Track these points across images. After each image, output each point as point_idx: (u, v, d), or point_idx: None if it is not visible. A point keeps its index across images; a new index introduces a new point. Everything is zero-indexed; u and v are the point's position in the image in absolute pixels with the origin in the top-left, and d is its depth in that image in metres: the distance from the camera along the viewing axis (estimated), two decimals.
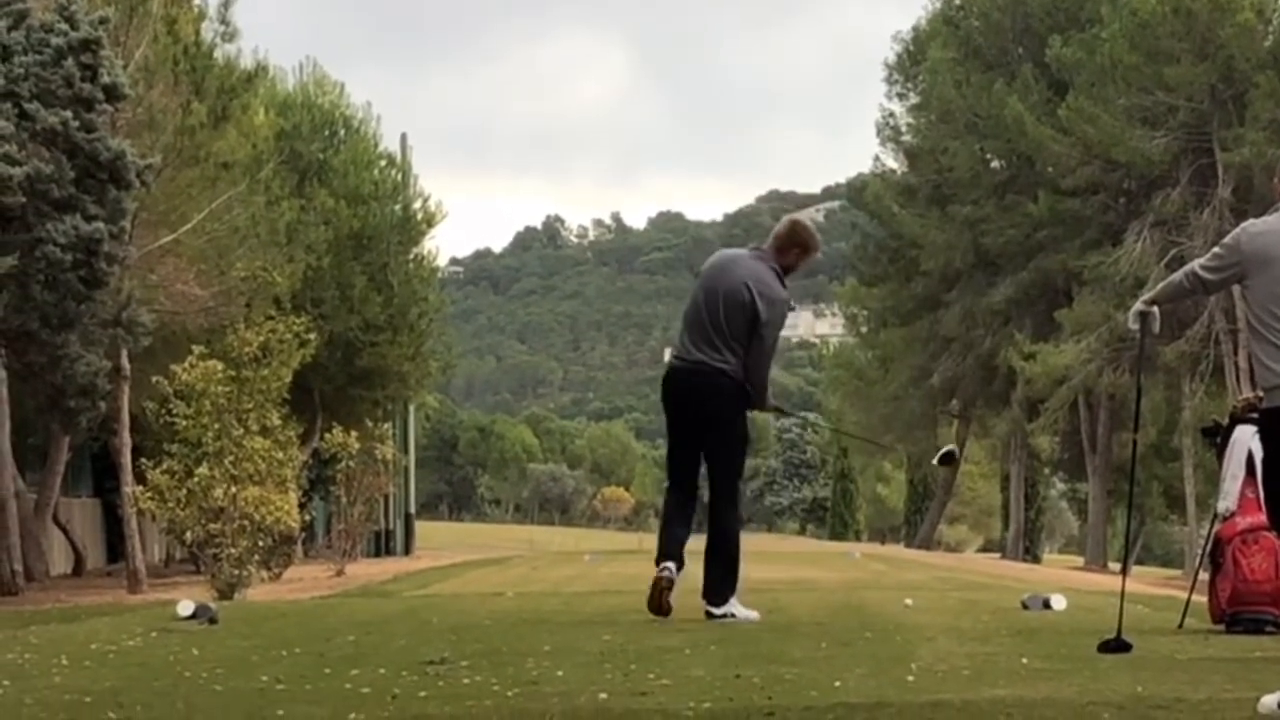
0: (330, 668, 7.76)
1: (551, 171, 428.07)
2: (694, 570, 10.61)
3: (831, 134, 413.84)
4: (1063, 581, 22.72)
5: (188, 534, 21.13)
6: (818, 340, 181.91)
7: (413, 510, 53.45)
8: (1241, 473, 9.81)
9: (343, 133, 41.87)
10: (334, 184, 39.18)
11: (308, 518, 26.29)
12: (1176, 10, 45.29)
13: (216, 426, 20.94)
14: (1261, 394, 6.66)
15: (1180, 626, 10.02)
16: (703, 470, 10.68)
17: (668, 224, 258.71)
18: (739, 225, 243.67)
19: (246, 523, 20.52)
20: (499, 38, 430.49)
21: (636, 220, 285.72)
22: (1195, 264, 7.10)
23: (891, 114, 61.60)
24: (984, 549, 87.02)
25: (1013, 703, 6.08)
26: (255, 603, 16.14)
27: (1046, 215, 52.36)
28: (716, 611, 10.38)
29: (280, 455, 21.69)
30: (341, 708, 6.30)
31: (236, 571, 19.66)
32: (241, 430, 21.03)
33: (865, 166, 75.81)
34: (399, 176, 43.47)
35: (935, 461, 10.73)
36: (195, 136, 24.82)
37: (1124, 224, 50.16)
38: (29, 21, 20.81)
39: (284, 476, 21.87)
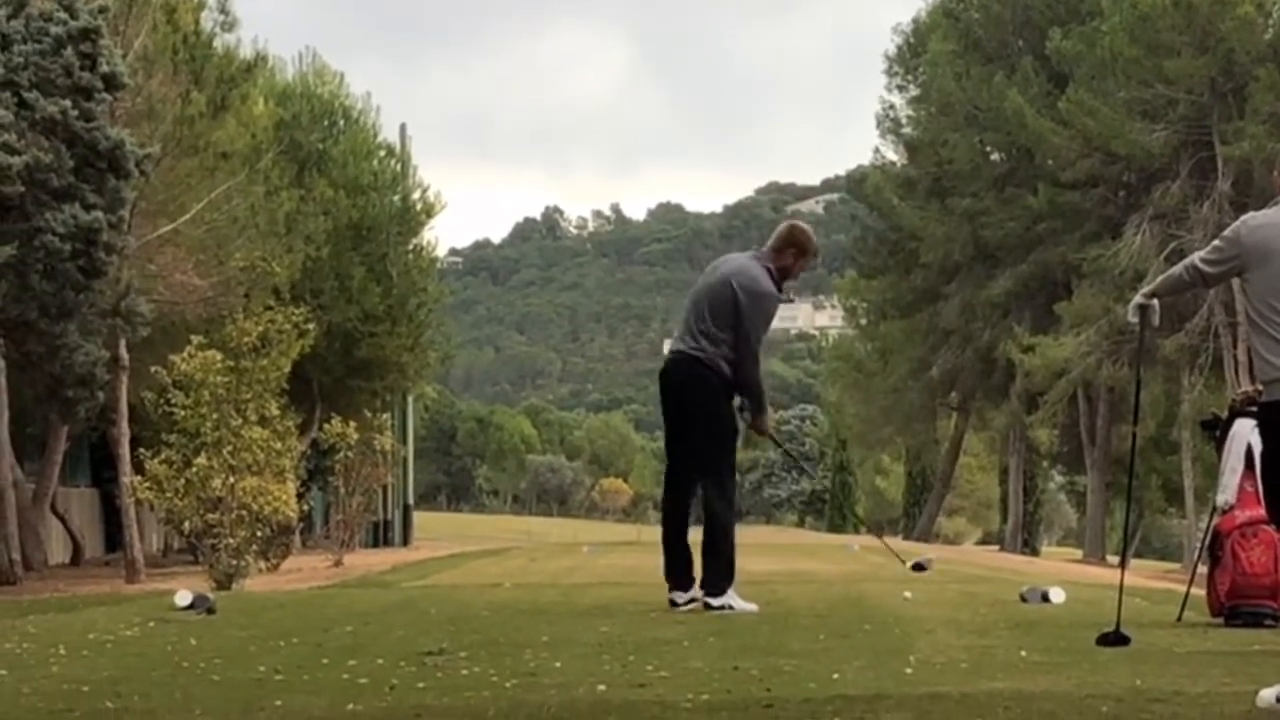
0: (328, 658, 7.75)
1: (551, 162, 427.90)
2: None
3: (831, 126, 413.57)
4: (1061, 574, 22.71)
5: (186, 524, 21.10)
6: (817, 332, 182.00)
7: (411, 501, 53.44)
8: (1240, 466, 9.80)
9: (342, 123, 41.83)
10: (333, 174, 39.15)
11: (306, 508, 26.29)
12: (1177, 3, 45.27)
13: (215, 417, 20.91)
14: (1261, 387, 6.65)
15: (1179, 620, 10.02)
16: None
17: (667, 215, 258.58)
18: (738, 217, 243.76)
19: (245, 513, 20.50)
20: (499, 28, 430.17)
21: (636, 212, 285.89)
22: (1195, 257, 7.08)
23: (891, 106, 61.67)
24: (982, 541, 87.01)
25: (1011, 695, 6.07)
26: (253, 593, 16.14)
27: (1046, 208, 52.36)
28: (714, 603, 10.36)
29: (279, 446, 21.66)
30: (339, 698, 6.30)
31: (234, 562, 19.65)
32: (240, 420, 21.01)
33: (865, 159, 75.95)
34: (398, 167, 43.44)
35: (909, 567, 10.79)
36: (194, 126, 24.80)
37: (1124, 217, 50.15)
38: (28, 10, 20.79)
39: (282, 467, 21.84)
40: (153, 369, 21.87)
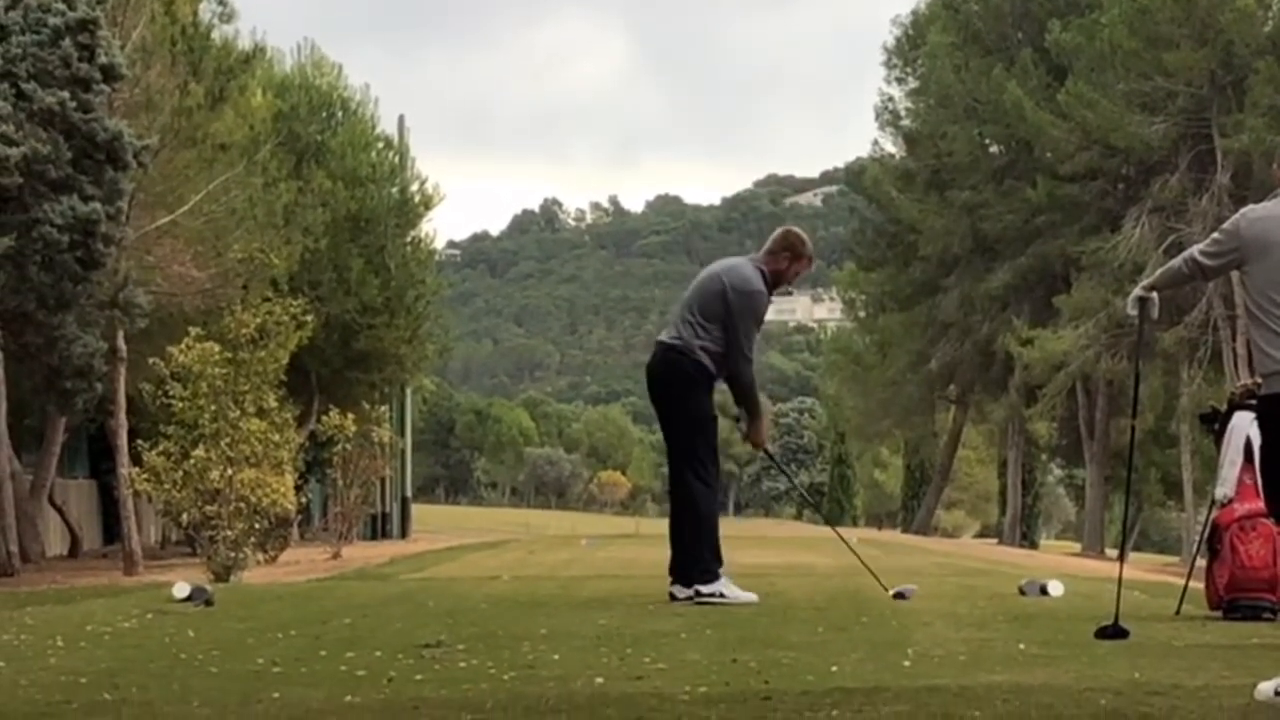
0: (326, 650, 7.74)
1: (549, 155, 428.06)
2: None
3: (830, 118, 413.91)
4: (1060, 567, 22.72)
5: (184, 516, 21.10)
6: (815, 325, 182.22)
7: (409, 493, 53.42)
8: (1240, 459, 9.80)
9: (340, 114, 41.80)
10: (331, 166, 39.13)
11: (304, 500, 26.27)
12: None
13: (213, 408, 20.90)
14: (1260, 380, 6.64)
15: (1178, 613, 10.02)
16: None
17: (665, 208, 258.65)
18: (737, 209, 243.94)
19: (243, 505, 20.50)
20: (498, 20, 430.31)
21: (634, 204, 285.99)
22: (1194, 250, 7.07)
23: (890, 98, 61.63)
24: (981, 534, 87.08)
25: (1009, 688, 6.07)
26: (251, 585, 16.13)
27: (1045, 201, 52.33)
28: (705, 589, 10.34)
29: (277, 437, 21.66)
30: (337, 690, 6.29)
31: (232, 554, 19.64)
32: (238, 412, 21.00)
33: (864, 151, 75.81)
34: (396, 159, 43.42)
35: (890, 594, 10.82)
36: (192, 117, 24.77)
37: (1123, 210, 50.14)
38: (26, 1, 20.76)
39: (280, 459, 21.84)
40: (151, 360, 21.86)
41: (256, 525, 21.05)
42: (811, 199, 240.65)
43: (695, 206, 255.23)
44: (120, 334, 23.80)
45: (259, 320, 21.92)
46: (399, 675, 6.74)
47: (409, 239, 42.48)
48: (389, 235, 40.68)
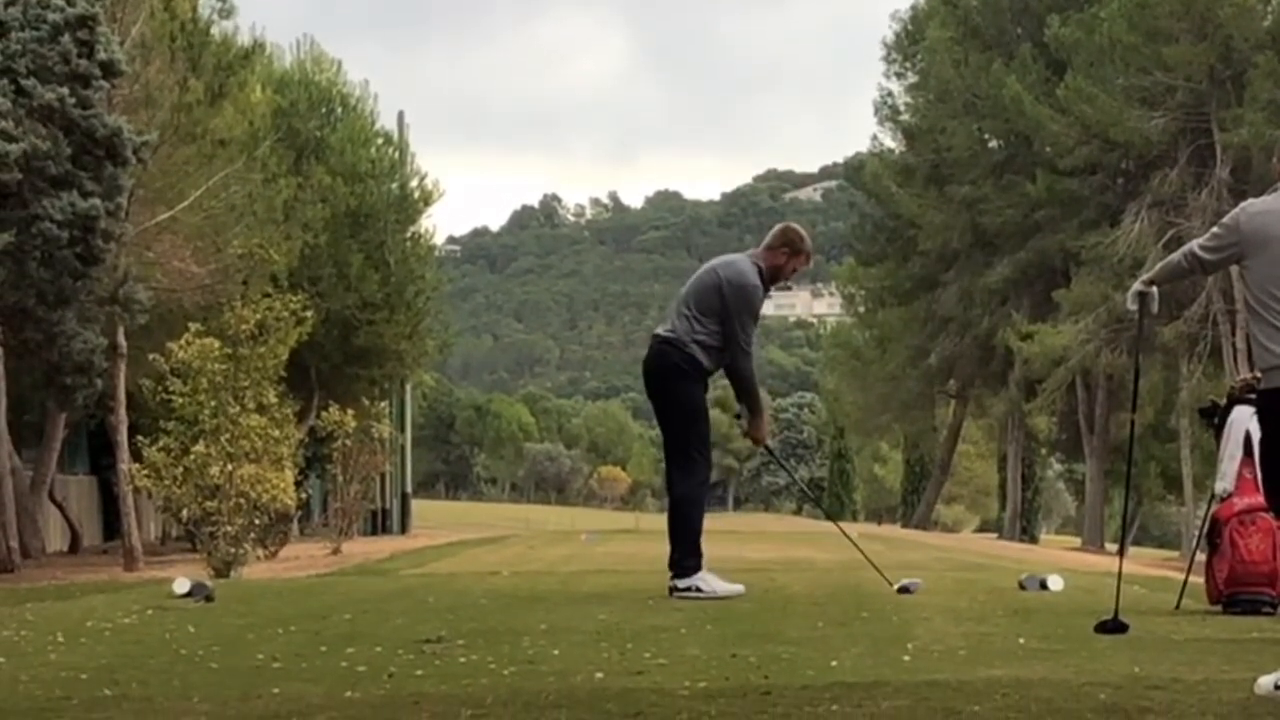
0: (326, 646, 7.74)
1: (549, 150, 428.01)
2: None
3: (829, 113, 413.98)
4: (1059, 562, 22.73)
5: (184, 512, 21.12)
6: (815, 320, 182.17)
7: (409, 489, 53.43)
8: (1239, 453, 9.79)
9: (340, 110, 41.78)
10: (331, 161, 39.10)
11: (304, 496, 26.28)
12: None
13: (213, 404, 20.92)
14: (1259, 374, 6.64)
15: (1177, 607, 10.02)
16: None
17: (665, 203, 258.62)
18: (737, 205, 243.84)
19: (243, 500, 20.51)
20: (497, 15, 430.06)
21: (634, 199, 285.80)
22: (1194, 244, 7.07)
23: (890, 93, 61.67)
24: (981, 529, 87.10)
25: (1009, 683, 6.07)
26: (251, 580, 16.14)
27: (1044, 195, 52.34)
28: (680, 584, 10.31)
29: (276, 433, 21.67)
30: (337, 686, 6.29)
31: (232, 549, 19.66)
32: (238, 408, 21.01)
33: (863, 146, 75.98)
34: (396, 154, 43.41)
35: (895, 589, 10.81)
36: (192, 113, 24.77)
37: (1122, 204, 50.15)
38: None
39: (280, 454, 21.85)
40: (151, 356, 21.87)
41: (256, 521, 21.07)
42: (811, 194, 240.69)
43: (695, 202, 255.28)
44: (120, 330, 23.80)
45: (259, 316, 21.93)
46: (399, 670, 6.75)
47: (409, 234, 42.47)
48: (389, 231, 40.66)
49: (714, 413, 10.97)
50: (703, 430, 10.62)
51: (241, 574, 18.62)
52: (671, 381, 10.54)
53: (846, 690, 5.87)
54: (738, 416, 11.05)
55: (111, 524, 34.36)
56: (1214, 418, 10.26)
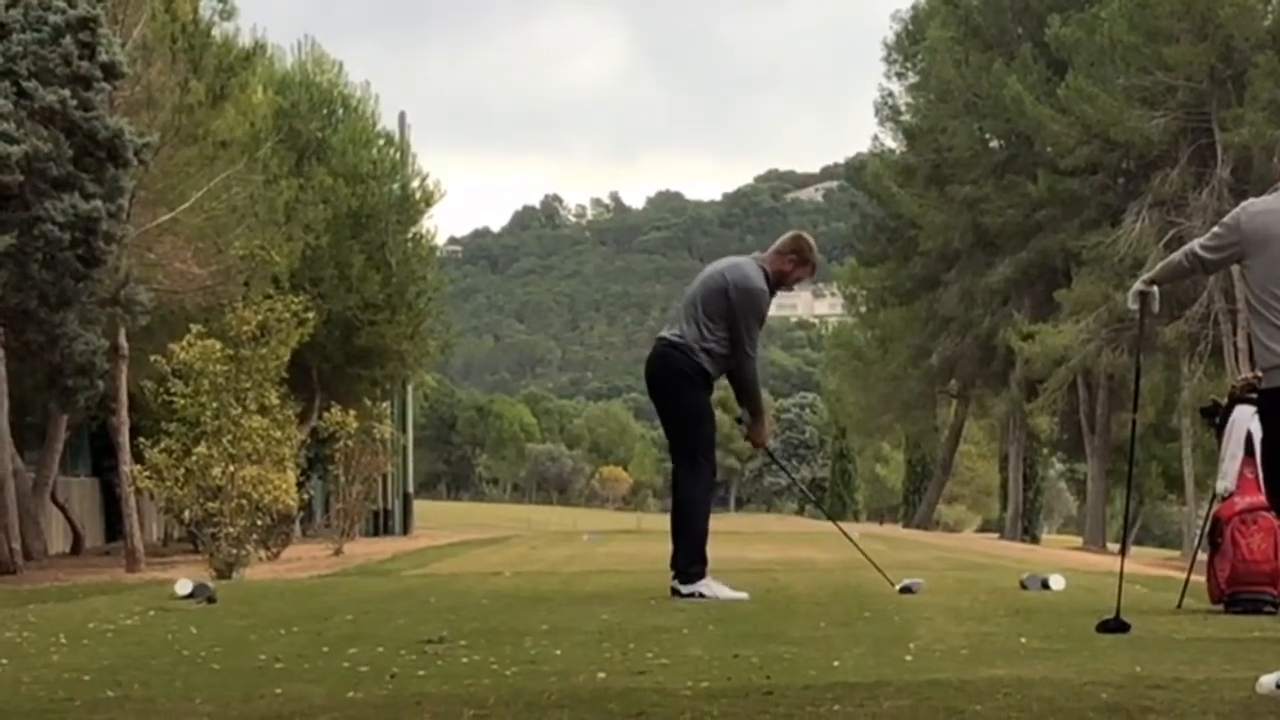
0: (328, 646, 7.75)
1: (550, 151, 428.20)
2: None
3: (830, 113, 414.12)
4: (1061, 562, 22.74)
5: (186, 513, 21.12)
6: (816, 320, 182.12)
7: (411, 489, 53.44)
8: (1240, 453, 9.79)
9: (341, 111, 41.80)
10: (332, 162, 39.13)
11: (306, 497, 26.29)
12: None
13: (215, 405, 20.93)
14: (1260, 374, 6.64)
15: (1179, 607, 10.02)
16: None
17: (666, 203, 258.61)
18: (738, 205, 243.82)
19: (244, 502, 20.52)
20: (497, 16, 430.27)
21: (635, 200, 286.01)
22: (1195, 243, 7.07)
23: (890, 93, 61.67)
24: (982, 529, 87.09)
25: (1010, 682, 6.07)
26: (253, 581, 16.14)
27: (1045, 195, 52.33)
28: (683, 590, 10.30)
29: (278, 434, 21.68)
30: (339, 686, 6.30)
31: (234, 550, 19.66)
32: (240, 409, 21.02)
33: (864, 146, 75.99)
34: (397, 155, 43.43)
35: (897, 589, 10.82)
36: (193, 115, 24.77)
37: (1123, 204, 50.14)
38: None
39: (282, 455, 21.86)
40: (152, 358, 21.88)
41: (258, 522, 21.08)
42: (812, 194, 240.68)
43: (696, 202, 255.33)
44: (122, 331, 23.80)
45: (260, 317, 21.95)
46: (401, 671, 6.75)
47: (410, 235, 42.49)
48: (390, 232, 40.68)
49: (716, 413, 10.95)
50: (708, 433, 10.62)
51: (243, 575, 18.63)
52: (676, 386, 10.53)
53: (849, 690, 5.88)
54: (739, 420, 11.05)
55: (113, 525, 34.38)
56: (1215, 417, 10.26)
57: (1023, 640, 7.75)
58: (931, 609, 9.51)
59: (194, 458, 20.62)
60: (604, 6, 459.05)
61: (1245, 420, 9.55)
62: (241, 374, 21.27)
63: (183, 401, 21.05)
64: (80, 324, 21.64)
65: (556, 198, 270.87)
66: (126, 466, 23.63)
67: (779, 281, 10.67)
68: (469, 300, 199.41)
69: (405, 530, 49.69)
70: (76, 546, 32.99)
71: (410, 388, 50.73)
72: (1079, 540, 60.70)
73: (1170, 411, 52.36)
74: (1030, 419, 60.73)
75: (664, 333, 10.74)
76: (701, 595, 10.21)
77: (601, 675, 6.45)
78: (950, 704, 5.52)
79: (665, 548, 10.75)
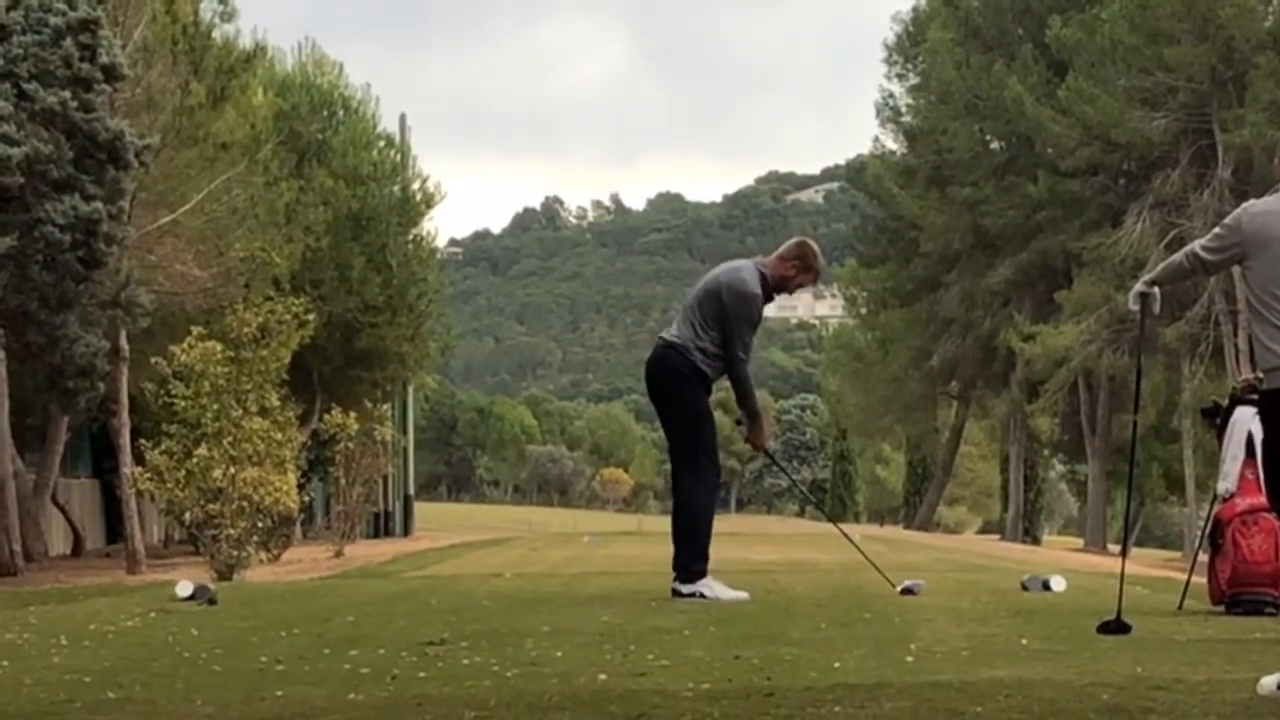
0: (329, 648, 7.75)
1: (550, 153, 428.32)
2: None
3: (831, 115, 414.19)
4: (1062, 563, 22.74)
5: (186, 515, 21.12)
6: (817, 321, 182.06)
7: (411, 491, 53.45)
8: (1241, 454, 9.79)
9: (341, 113, 41.80)
10: (333, 164, 39.13)
11: (306, 499, 26.29)
12: None
13: (215, 407, 20.93)
14: (1261, 375, 6.64)
15: (1180, 608, 10.02)
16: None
17: (667, 205, 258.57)
18: (738, 206, 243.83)
19: (245, 504, 20.52)
20: (498, 18, 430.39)
21: (635, 201, 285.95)
22: (1196, 244, 7.07)
23: (891, 95, 61.64)
24: (983, 530, 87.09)
25: (1011, 683, 6.07)
26: (254, 583, 16.15)
27: (1046, 196, 52.33)
28: (684, 590, 10.31)
29: (279, 436, 21.68)
30: (340, 688, 6.30)
31: (235, 552, 19.67)
32: (240, 411, 21.02)
33: (865, 147, 75.85)
34: (398, 157, 43.43)
35: (898, 590, 10.82)
36: (194, 116, 24.77)
37: (1124, 205, 50.13)
38: (27, 1, 20.75)
39: (283, 457, 21.86)
40: (153, 360, 21.88)
41: (259, 524, 21.08)
42: (813, 196, 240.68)
43: (697, 204, 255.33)
44: (123, 333, 23.81)
45: (261, 319, 21.95)
46: (402, 673, 6.75)
47: (411, 237, 42.49)
48: (391, 233, 40.68)
49: (716, 415, 10.97)
50: (708, 434, 10.62)
51: (244, 577, 18.64)
52: (674, 386, 10.55)
53: (849, 691, 5.88)
54: (739, 422, 11.06)
55: (114, 527, 34.38)
56: (1216, 418, 10.26)
57: (1024, 641, 7.75)
58: (932, 610, 9.51)
59: (195, 459, 20.62)
60: (604, 10, 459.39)
61: (1246, 421, 9.55)
62: (242, 376, 21.27)
63: (183, 403, 21.05)
64: (81, 326, 21.64)
65: (557, 199, 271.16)
66: (127, 468, 23.64)
67: (780, 286, 10.68)
68: (469, 302, 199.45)
69: (406, 532, 49.70)
70: (77, 548, 32.99)
71: (411, 389, 50.74)
72: (1080, 541, 60.69)
73: (1171, 413, 52.34)
74: (1031, 420, 60.72)
75: (664, 334, 10.78)
76: (702, 595, 10.21)
77: (602, 677, 6.46)
78: (951, 705, 5.52)
79: (666, 549, 10.76)
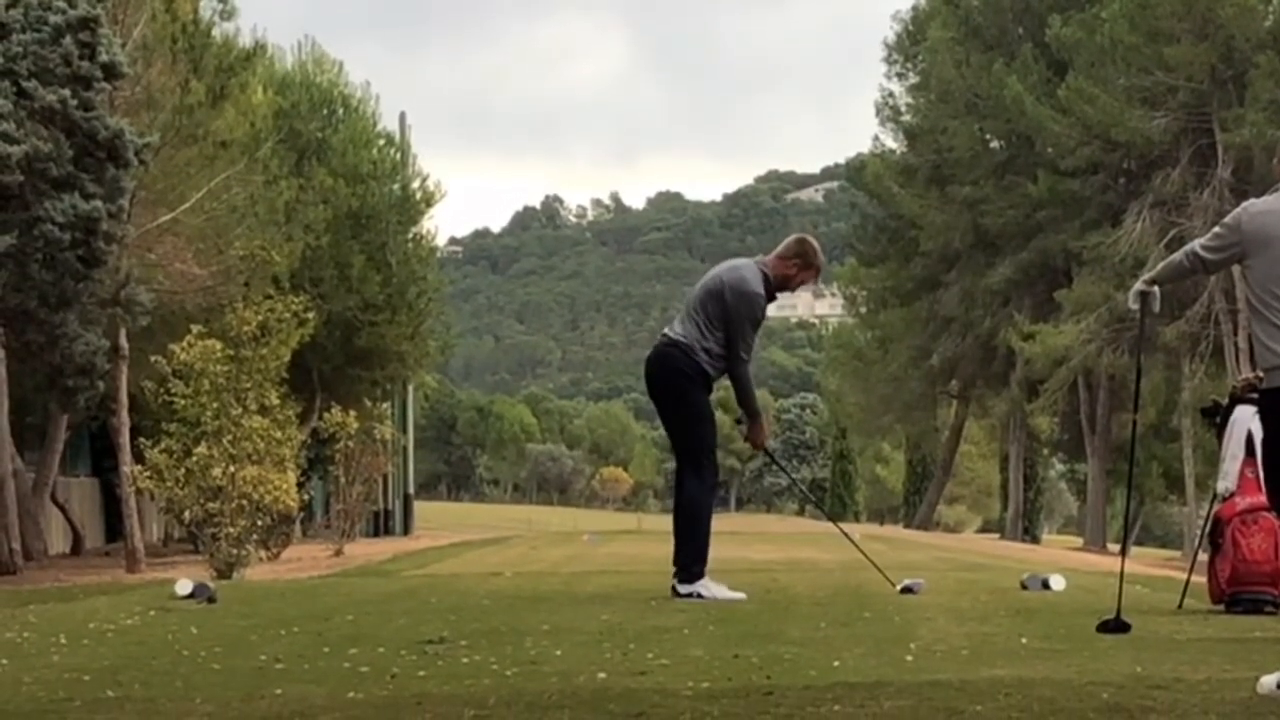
0: (329, 647, 7.75)
1: (550, 151, 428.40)
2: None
3: (831, 114, 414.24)
4: (1062, 562, 22.74)
5: (186, 513, 21.12)
6: (817, 320, 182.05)
7: (411, 490, 53.45)
8: (1241, 453, 9.79)
9: (341, 111, 41.76)
10: (333, 163, 39.09)
11: (306, 497, 26.28)
12: None
13: (215, 406, 20.92)
14: (1261, 374, 6.64)
15: (1179, 607, 10.02)
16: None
17: (666, 204, 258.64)
18: (738, 205, 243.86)
19: (245, 502, 20.51)
20: (498, 17, 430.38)
21: (635, 200, 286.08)
22: (1196, 244, 7.07)
23: (891, 94, 61.65)
24: (983, 529, 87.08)
25: (1011, 682, 6.07)
26: (253, 582, 16.14)
27: (1046, 195, 52.34)
28: (682, 589, 10.30)
29: (279, 435, 21.67)
30: (340, 687, 6.29)
31: (235, 551, 19.65)
32: (240, 409, 21.02)
33: (865, 146, 75.89)
34: (398, 155, 43.39)
35: (898, 589, 10.83)
36: (193, 115, 24.75)
37: (1124, 204, 50.14)
38: None
39: (282, 456, 21.85)
40: (153, 358, 21.87)
41: (259, 522, 21.07)
42: (813, 195, 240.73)
43: (696, 203, 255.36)
44: (122, 332, 23.79)
45: (261, 318, 21.94)
46: (402, 671, 6.75)
47: (410, 236, 42.45)
48: (390, 232, 40.65)
49: (717, 414, 10.96)
50: (708, 434, 10.62)
51: (244, 575, 18.63)
52: (676, 385, 10.54)
53: (849, 690, 5.88)
54: (738, 421, 11.06)
55: (113, 526, 34.36)
56: (1216, 417, 10.26)
57: (1023, 640, 7.75)
58: (932, 609, 9.51)
59: (194, 458, 20.61)
60: (604, 9, 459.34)
61: (1246, 420, 9.56)
62: (242, 374, 21.27)
63: (183, 402, 21.04)
64: (80, 324, 21.63)
65: (557, 198, 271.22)
66: (127, 467, 23.63)
67: (781, 285, 10.67)
68: (469, 301, 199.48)
69: (406, 531, 49.70)
70: (77, 547, 32.98)
71: (411, 388, 50.72)
72: (1079, 540, 60.70)
73: (1171, 412, 52.35)
74: (1031, 419, 60.72)
75: (666, 332, 10.77)
76: (700, 595, 10.21)
77: (602, 675, 6.45)
78: (951, 704, 5.52)
79: (666, 548, 10.76)
